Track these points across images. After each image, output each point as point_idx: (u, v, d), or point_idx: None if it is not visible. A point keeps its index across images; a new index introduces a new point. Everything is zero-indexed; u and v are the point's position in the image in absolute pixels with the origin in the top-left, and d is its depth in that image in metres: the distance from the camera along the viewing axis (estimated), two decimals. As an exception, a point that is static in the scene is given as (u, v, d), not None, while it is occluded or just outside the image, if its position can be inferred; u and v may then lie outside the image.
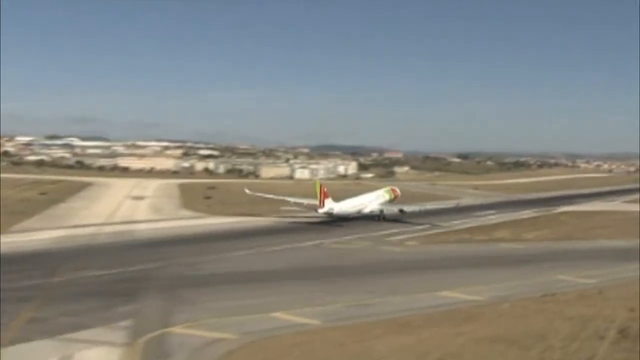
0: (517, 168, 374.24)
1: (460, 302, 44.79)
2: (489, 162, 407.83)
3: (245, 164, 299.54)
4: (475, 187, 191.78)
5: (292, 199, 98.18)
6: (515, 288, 52.23)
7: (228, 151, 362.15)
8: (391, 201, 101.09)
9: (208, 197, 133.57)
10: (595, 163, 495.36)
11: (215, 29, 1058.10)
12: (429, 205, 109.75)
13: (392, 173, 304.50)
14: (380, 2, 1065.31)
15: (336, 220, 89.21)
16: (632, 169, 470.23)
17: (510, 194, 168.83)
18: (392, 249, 75.24)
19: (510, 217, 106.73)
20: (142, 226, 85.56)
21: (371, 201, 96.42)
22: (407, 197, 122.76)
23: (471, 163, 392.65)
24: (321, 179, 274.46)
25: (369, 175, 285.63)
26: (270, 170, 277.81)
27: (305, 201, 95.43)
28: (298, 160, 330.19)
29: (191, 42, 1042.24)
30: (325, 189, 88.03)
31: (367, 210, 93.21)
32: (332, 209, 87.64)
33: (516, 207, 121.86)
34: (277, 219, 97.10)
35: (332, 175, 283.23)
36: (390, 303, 43.95)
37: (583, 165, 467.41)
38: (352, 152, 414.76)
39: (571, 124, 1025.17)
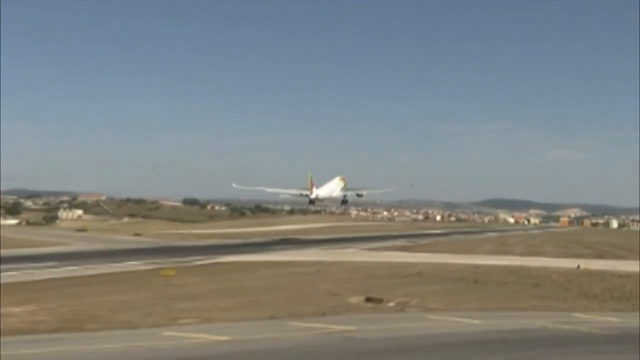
0: (257, 215, 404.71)
1: None
2: (223, 208, 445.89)
3: None
4: (138, 234, 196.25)
5: (282, 191, 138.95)
6: None
7: None
8: (345, 187, 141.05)
9: None
10: (373, 210, 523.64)
11: None
12: None
13: (55, 218, 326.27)
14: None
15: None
16: (420, 217, 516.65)
17: (184, 240, 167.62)
18: None
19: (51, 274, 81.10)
20: None
21: (334, 188, 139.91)
22: None
23: (194, 209, 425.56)
24: None
25: (12, 222, 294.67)
26: None
27: (295, 191, 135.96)
28: None
29: None
30: (313, 181, 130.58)
31: (334, 194, 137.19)
32: (317, 194, 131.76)
33: (137, 257, 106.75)
34: None
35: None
36: None
37: (355, 213, 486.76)
38: (30, 196, 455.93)
39: (352, 164, 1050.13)
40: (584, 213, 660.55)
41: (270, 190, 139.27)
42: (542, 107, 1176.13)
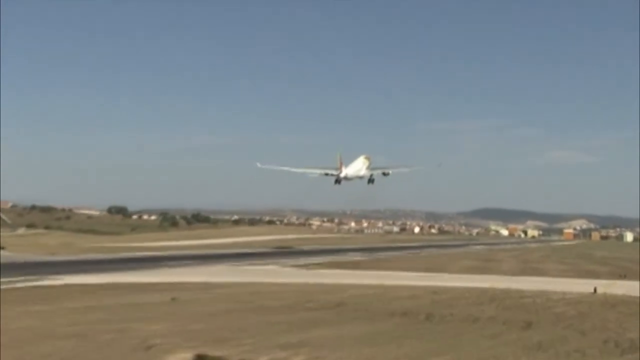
0: (193, 225, 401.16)
1: None
2: (152, 218, 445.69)
3: None
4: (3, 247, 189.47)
5: (309, 170, 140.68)
6: None
7: None
8: (370, 166, 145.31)
9: None
10: (339, 221, 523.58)
11: None
12: None
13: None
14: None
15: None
16: (396, 228, 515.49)
17: (53, 255, 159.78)
18: None
19: None
20: None
21: (361, 167, 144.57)
22: None
23: (116, 218, 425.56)
24: None
25: None
26: None
27: (321, 171, 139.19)
28: None
29: None
30: (342, 160, 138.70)
31: (361, 173, 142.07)
32: (346, 173, 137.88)
33: None
34: None
35: None
36: None
37: (317, 224, 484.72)
38: None
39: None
40: (591, 225, 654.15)
41: (295, 170, 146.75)
42: (542, 101, 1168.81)
